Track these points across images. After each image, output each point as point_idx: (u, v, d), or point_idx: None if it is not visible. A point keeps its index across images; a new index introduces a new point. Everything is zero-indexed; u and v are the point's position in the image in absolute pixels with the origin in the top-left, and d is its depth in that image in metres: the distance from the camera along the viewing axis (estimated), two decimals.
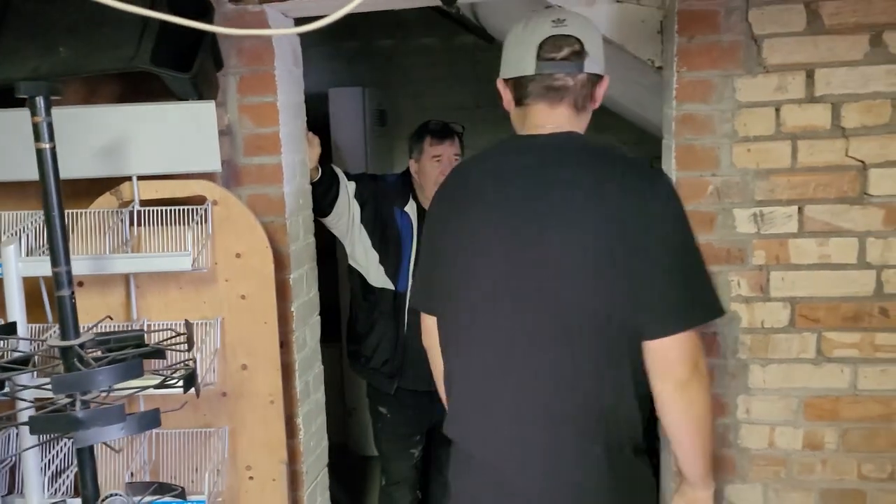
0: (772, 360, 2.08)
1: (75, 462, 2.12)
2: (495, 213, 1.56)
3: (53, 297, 2.15)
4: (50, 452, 2.02)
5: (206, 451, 2.18)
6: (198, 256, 1.95)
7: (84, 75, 2.01)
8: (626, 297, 1.46)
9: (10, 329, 1.74)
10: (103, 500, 1.42)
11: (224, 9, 2.17)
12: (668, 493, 2.20)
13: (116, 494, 1.42)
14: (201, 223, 2.05)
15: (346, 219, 2.85)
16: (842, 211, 2.02)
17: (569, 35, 1.54)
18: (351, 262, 2.97)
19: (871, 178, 2.00)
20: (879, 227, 2.01)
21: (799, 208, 2.03)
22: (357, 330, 3.04)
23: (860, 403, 2.08)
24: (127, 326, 2.08)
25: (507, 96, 1.67)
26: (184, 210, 2.06)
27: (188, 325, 1.69)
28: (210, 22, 2.08)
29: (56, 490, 2.02)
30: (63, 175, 1.49)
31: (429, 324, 1.80)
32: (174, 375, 1.65)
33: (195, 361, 1.65)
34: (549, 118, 1.59)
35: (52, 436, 1.71)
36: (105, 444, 1.61)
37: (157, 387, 1.63)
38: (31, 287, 2.04)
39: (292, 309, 2.30)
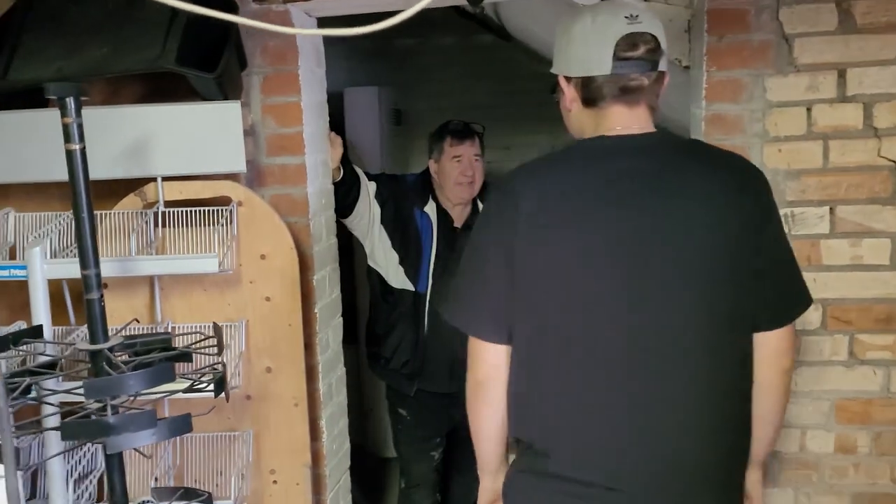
0: (803, 362, 2.06)
1: (98, 467, 2.13)
2: (607, 222, 1.43)
3: (76, 300, 2.17)
4: (74, 457, 2.00)
5: (230, 454, 2.16)
6: (224, 258, 1.94)
7: (109, 76, 2.00)
8: (750, 294, 1.47)
9: (37, 332, 1.73)
10: None
11: (249, 8, 2.16)
12: None
13: (149, 501, 1.40)
14: (226, 224, 2.03)
15: (367, 219, 2.83)
16: (874, 212, 2.00)
17: (644, 32, 1.44)
18: (370, 262, 2.95)
19: None
20: None
21: (830, 209, 2.00)
22: (376, 331, 3.02)
23: (893, 406, 2.05)
24: (151, 329, 2.07)
25: (570, 94, 1.54)
26: (208, 211, 2.04)
27: (217, 328, 1.67)
28: (234, 26, 2.07)
29: (79, 495, 2.00)
30: None
31: (496, 355, 1.53)
32: (203, 379, 1.63)
33: (224, 365, 1.63)
34: (631, 119, 1.49)
35: (74, 441, 1.70)
36: (136, 449, 1.59)
37: (186, 391, 1.62)
38: (52, 289, 2.03)
39: (316, 310, 2.28)
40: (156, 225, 2.06)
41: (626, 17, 1.45)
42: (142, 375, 1.39)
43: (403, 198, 2.90)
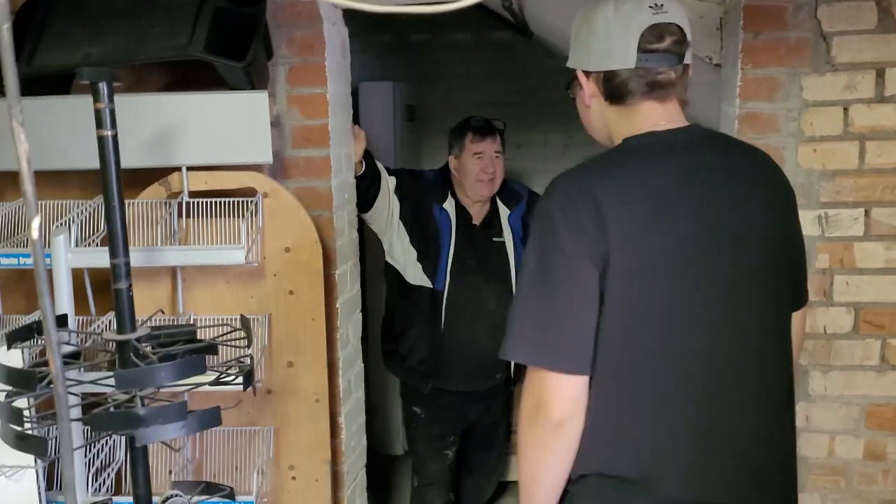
0: (833, 366, 2.03)
1: (115, 459, 2.10)
2: (691, 219, 1.34)
3: (97, 289, 2.14)
4: (92, 450, 1.97)
5: (250, 450, 2.13)
6: (249, 250, 1.91)
7: (137, 63, 1.96)
8: (790, 282, 1.47)
9: (61, 322, 1.70)
10: (165, 501, 1.37)
11: None
12: None
13: (177, 495, 1.37)
14: (251, 216, 2.01)
15: (386, 214, 2.80)
16: None
17: (670, 23, 1.36)
18: (388, 258, 2.93)
19: None
20: None
21: (865, 211, 1.98)
22: (393, 328, 3.00)
23: None
24: (173, 321, 2.04)
25: (590, 90, 1.45)
26: (233, 202, 2.01)
27: (245, 320, 1.65)
28: (262, 12, 2.04)
29: (97, 488, 1.98)
30: None
31: (577, 388, 1.32)
32: (230, 372, 1.61)
33: (252, 358, 1.60)
34: (666, 115, 1.41)
35: (101, 433, 1.67)
36: (164, 442, 1.56)
37: (212, 384, 1.59)
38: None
39: (337, 305, 2.26)
40: (179, 215, 2.03)
41: (650, 7, 1.37)
42: (173, 367, 1.37)
43: (423, 193, 2.88)
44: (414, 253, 2.85)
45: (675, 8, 1.38)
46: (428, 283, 2.84)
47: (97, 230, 2.02)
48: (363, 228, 2.92)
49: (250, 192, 2.05)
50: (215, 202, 2.01)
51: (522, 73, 4.64)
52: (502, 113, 3.22)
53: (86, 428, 1.88)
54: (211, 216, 2.02)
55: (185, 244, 2.02)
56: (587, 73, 1.45)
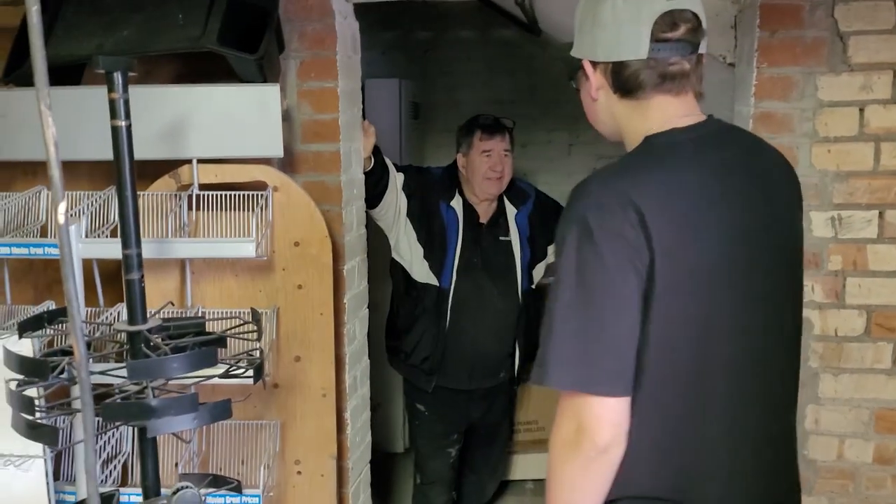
0: (844, 369, 2.02)
1: (122, 451, 2.09)
2: (728, 221, 1.28)
3: (104, 282, 2.13)
4: (100, 440, 1.97)
5: (255, 443, 2.12)
6: (259, 244, 1.90)
7: (150, 54, 1.95)
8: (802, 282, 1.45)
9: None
10: (175, 492, 1.37)
11: None
12: None
13: (187, 486, 1.37)
14: (261, 210, 2.00)
15: (393, 211, 2.79)
16: None
17: (684, 10, 1.27)
18: (394, 255, 2.92)
19: None
20: None
21: (879, 213, 1.96)
22: (398, 325, 2.98)
23: None
24: (181, 313, 2.03)
25: (597, 82, 1.35)
26: (243, 195, 2.00)
27: (255, 313, 1.64)
28: (275, 5, 2.03)
29: (104, 479, 1.97)
30: None
31: (621, 411, 1.23)
32: (240, 365, 1.60)
33: (262, 351, 1.59)
34: (683, 109, 1.32)
35: (110, 424, 1.66)
36: (175, 434, 1.55)
37: (222, 376, 1.58)
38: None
39: (345, 300, 2.25)
40: (189, 208, 2.02)
41: None
42: (185, 358, 1.36)
43: (430, 191, 2.87)
44: (421, 250, 2.84)
45: None
46: (434, 281, 2.83)
47: (107, 222, 2.01)
48: (368, 226, 2.91)
49: (260, 186, 2.05)
50: (225, 195, 2.00)
51: (528, 72, 4.62)
52: (507, 111, 3.21)
53: (96, 419, 1.87)
54: (221, 209, 2.01)
55: (194, 237, 2.01)
56: (594, 64, 1.35)
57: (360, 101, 2.42)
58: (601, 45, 1.32)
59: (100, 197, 2.02)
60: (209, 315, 2.02)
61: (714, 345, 1.25)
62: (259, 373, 1.55)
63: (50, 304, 1.91)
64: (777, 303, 1.33)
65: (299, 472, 2.18)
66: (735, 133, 1.45)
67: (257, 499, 1.94)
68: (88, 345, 1.60)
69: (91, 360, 1.74)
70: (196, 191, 2.00)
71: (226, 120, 1.98)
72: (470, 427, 3.07)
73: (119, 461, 2.04)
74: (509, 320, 2.91)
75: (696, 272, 1.23)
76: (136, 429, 1.64)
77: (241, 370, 1.58)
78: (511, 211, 2.94)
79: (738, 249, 1.27)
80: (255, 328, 1.64)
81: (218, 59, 1.96)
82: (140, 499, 1.57)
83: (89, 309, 1.99)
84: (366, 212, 2.64)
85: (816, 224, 1.98)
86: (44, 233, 2.05)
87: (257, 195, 2.01)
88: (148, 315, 1.52)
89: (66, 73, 2.05)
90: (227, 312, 1.97)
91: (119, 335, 1.60)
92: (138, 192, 1.99)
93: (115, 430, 2.01)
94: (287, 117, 2.18)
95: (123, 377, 1.44)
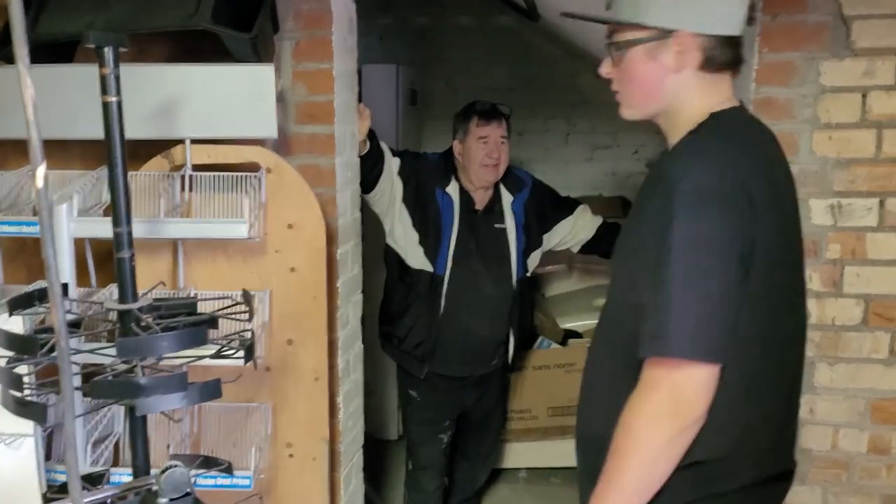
0: (840, 358, 2.01)
1: (113, 431, 2.08)
2: (780, 201, 1.34)
3: (97, 264, 2.11)
4: (91, 420, 1.95)
5: (246, 426, 2.11)
6: (252, 225, 1.88)
7: (142, 32, 1.92)
8: None
9: (63, 290, 1.66)
10: (164, 471, 1.35)
11: None
12: None
13: (176, 465, 1.35)
14: (254, 191, 1.97)
15: (388, 196, 2.77)
16: None
17: None
18: (389, 241, 2.89)
19: None
20: None
21: (880, 201, 1.94)
22: (391, 311, 2.97)
23: None
24: (173, 294, 2.01)
25: (692, 55, 1.30)
26: (236, 177, 1.98)
27: (247, 294, 1.62)
28: None
29: (95, 459, 1.95)
30: None
31: (715, 380, 1.23)
32: (231, 345, 1.58)
33: (253, 332, 1.58)
34: (732, 90, 1.36)
35: (100, 403, 1.65)
36: (164, 413, 1.54)
37: (213, 356, 1.56)
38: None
39: (338, 284, 2.23)
40: (182, 189, 2.00)
41: None
42: (174, 337, 1.34)
43: (426, 176, 2.84)
44: (416, 236, 2.82)
45: None
46: (429, 268, 2.81)
47: (99, 202, 1.98)
48: (362, 212, 2.89)
49: (253, 168, 2.02)
50: (218, 176, 1.98)
51: (525, 59, 4.59)
52: (504, 99, 3.18)
53: (85, 399, 1.85)
54: (213, 190, 1.99)
55: (186, 218, 1.99)
56: (668, 32, 1.29)
57: (356, 84, 2.39)
58: (709, 16, 1.28)
59: (92, 176, 1.99)
60: (201, 297, 2.00)
61: (777, 319, 1.32)
62: (250, 353, 1.54)
63: (42, 284, 1.89)
64: (801, 285, 1.43)
65: (291, 455, 2.16)
66: (756, 118, 1.50)
67: (248, 480, 1.93)
68: (79, 323, 1.58)
69: (82, 339, 1.73)
70: (189, 171, 1.98)
71: (219, 100, 1.95)
72: (462, 414, 3.06)
73: (111, 441, 2.02)
74: (503, 308, 2.89)
75: (777, 248, 1.28)
76: (126, 408, 1.62)
77: (233, 351, 1.56)
78: (507, 198, 2.91)
79: (787, 231, 1.35)
80: (247, 309, 1.62)
81: (212, 38, 1.93)
82: (130, 478, 1.55)
83: (81, 289, 1.97)
84: (361, 196, 2.63)
85: (816, 212, 1.96)
86: (36, 212, 2.03)
87: (250, 177, 1.99)
88: (139, 295, 1.51)
89: (58, 52, 2.02)
90: (216, 295, 1.94)
91: (111, 314, 1.58)
92: (131, 173, 1.99)
93: (107, 410, 1.99)
94: (281, 98, 2.15)
95: (114, 356, 1.42)
